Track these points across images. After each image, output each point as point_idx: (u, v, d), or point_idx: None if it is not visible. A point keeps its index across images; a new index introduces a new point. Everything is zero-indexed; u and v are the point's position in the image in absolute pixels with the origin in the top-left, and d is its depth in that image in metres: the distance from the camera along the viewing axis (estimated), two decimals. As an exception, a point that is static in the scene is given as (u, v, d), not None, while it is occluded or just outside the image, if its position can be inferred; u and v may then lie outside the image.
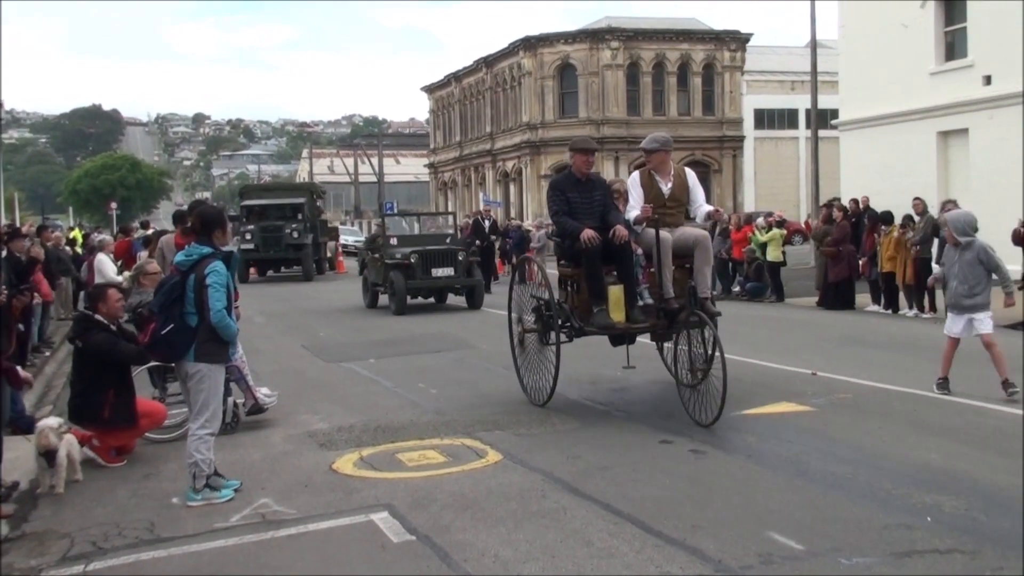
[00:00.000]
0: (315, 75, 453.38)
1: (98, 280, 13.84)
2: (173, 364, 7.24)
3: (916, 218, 17.44)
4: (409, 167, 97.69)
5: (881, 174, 24.97)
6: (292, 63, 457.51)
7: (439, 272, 20.28)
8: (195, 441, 6.77)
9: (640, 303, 9.10)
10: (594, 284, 9.06)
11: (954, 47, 24.65)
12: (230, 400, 8.80)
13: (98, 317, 8.10)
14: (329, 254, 38.17)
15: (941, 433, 7.97)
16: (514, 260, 23.82)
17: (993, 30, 22.64)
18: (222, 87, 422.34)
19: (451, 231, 23.16)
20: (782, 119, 54.02)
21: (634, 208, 9.30)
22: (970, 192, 22.13)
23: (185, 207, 16.19)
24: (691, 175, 9.77)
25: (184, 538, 6.01)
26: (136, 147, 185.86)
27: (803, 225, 39.43)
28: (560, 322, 9.36)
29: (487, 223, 27.63)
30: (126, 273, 10.97)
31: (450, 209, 63.50)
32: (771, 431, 8.16)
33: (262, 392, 9.43)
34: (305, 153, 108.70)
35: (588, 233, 8.88)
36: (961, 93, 23.56)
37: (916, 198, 17.85)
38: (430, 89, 69.24)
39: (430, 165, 71.34)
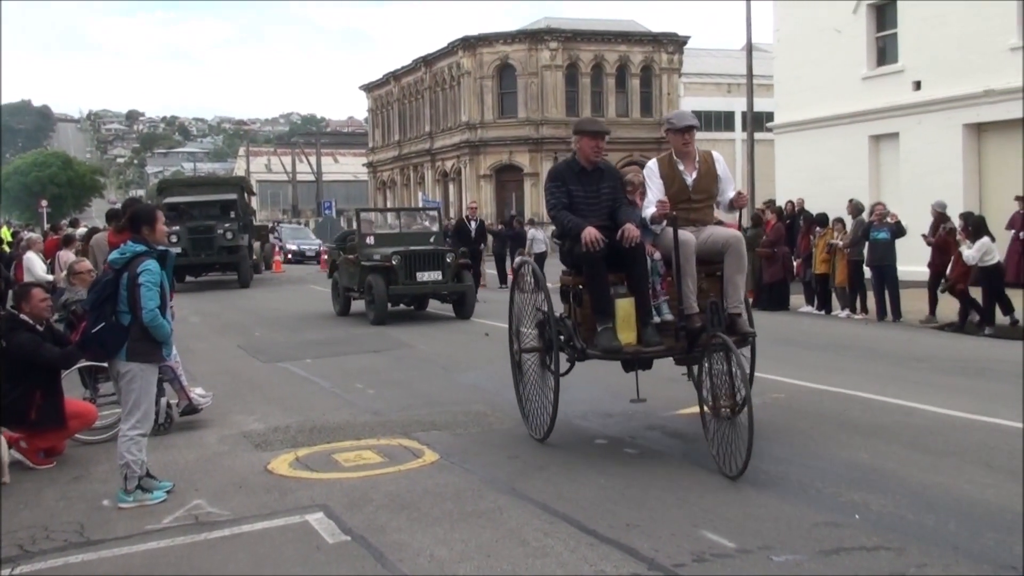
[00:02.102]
0: (252, 72, 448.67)
1: (27, 279, 13.57)
2: (105, 364, 7.13)
3: (849, 220, 17.77)
4: (348, 166, 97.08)
5: (815, 177, 25.40)
6: (228, 60, 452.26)
7: (425, 276, 17.81)
8: (126, 442, 6.67)
9: (656, 320, 7.54)
10: (598, 296, 7.46)
11: (885, 52, 25.16)
12: (163, 400, 8.68)
13: (23, 317, 7.95)
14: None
15: (870, 433, 8.12)
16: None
17: (923, 36, 23.15)
18: (156, 84, 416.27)
19: (436, 230, 20.20)
20: (719, 121, 54.60)
21: (650, 203, 7.70)
22: (900, 195, 22.60)
23: (119, 205, 15.93)
24: (720, 161, 8.02)
25: (114, 540, 5.92)
26: (67, 144, 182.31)
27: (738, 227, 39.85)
28: (563, 341, 7.85)
29: (473, 224, 23.66)
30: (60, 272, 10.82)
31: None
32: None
33: (196, 392, 9.33)
34: (242, 151, 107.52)
35: (591, 233, 7.29)
36: (892, 98, 24.05)
37: (850, 200, 18.18)
38: (369, 88, 68.85)
39: (369, 164, 70.95)
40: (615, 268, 7.50)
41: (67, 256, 14.50)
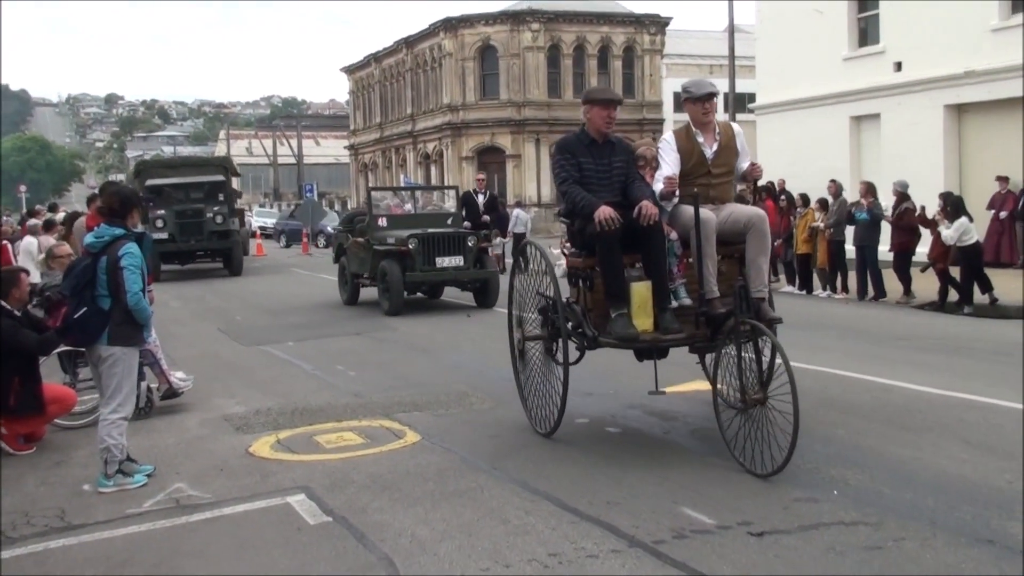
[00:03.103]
0: (232, 55, 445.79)
1: (24, 263, 13.43)
2: (84, 349, 7.10)
3: (830, 200, 17.81)
4: (329, 149, 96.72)
5: (796, 157, 25.43)
6: (208, 43, 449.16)
7: (445, 262, 16.20)
8: (107, 426, 6.65)
9: (673, 305, 6.99)
10: (612, 280, 6.83)
11: (867, 33, 25.17)
12: (143, 385, 8.65)
13: (1, 303, 7.88)
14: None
15: (849, 410, 8.18)
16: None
17: (904, 17, 23.17)
18: (136, 67, 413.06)
19: (453, 210, 18.51)
20: (701, 103, 54.57)
21: (663, 178, 7.09)
22: (881, 175, 22.65)
23: (98, 190, 15.81)
24: (740, 135, 7.40)
25: (95, 525, 5.91)
26: (46, 128, 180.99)
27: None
28: (571, 328, 7.30)
29: (481, 198, 20.29)
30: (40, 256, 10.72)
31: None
32: (686, 409, 8.28)
33: (177, 376, 9.30)
34: (222, 134, 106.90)
35: (606, 211, 6.68)
36: (873, 79, 24.08)
37: (831, 181, 18.23)
38: (350, 70, 68.49)
39: (350, 147, 70.67)
40: (630, 249, 6.87)
41: (47, 241, 14.39)
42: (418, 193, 19.75)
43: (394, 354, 12.14)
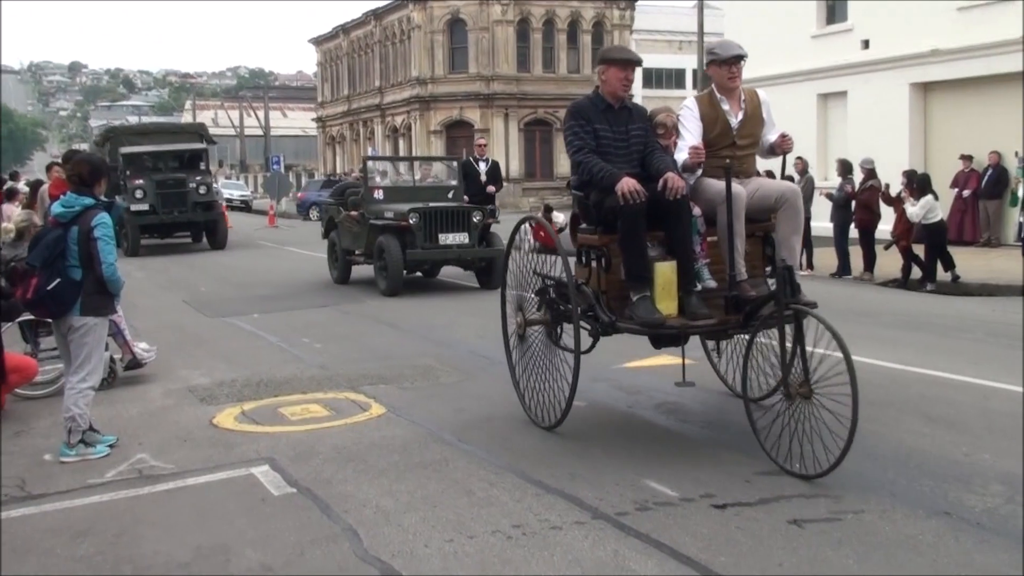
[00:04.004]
0: (199, 24, 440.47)
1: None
2: (50, 319, 7.02)
3: (796, 177, 17.90)
4: (296, 121, 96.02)
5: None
6: (174, 11, 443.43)
7: (449, 238, 14.99)
8: (74, 395, 6.60)
9: (697, 288, 6.41)
10: (634, 259, 6.21)
11: (835, 11, 25.24)
12: (107, 355, 8.56)
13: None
14: None
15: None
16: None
17: (871, -5, 23.25)
18: (100, 35, 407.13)
19: (454, 183, 17.03)
20: (670, 79, 54.70)
21: (685, 148, 6.53)
22: (847, 153, 22.77)
23: (60, 159, 15.55)
24: (766, 102, 6.87)
25: (56, 494, 5.86)
26: (7, 96, 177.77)
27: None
28: (581, 312, 6.61)
29: (483, 166, 17.58)
30: (6, 224, 10.54)
31: (339, 165, 62.72)
32: (651, 383, 8.32)
33: (140, 347, 9.22)
34: (188, 105, 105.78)
35: (629, 183, 6.06)
36: (840, 56, 24.18)
37: (798, 158, 18.30)
38: (318, 41, 67.88)
39: (318, 119, 70.15)
40: (652, 226, 6.28)
41: (10, 210, 14.17)
42: (416, 164, 18.35)
43: (360, 327, 12.11)
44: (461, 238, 15.10)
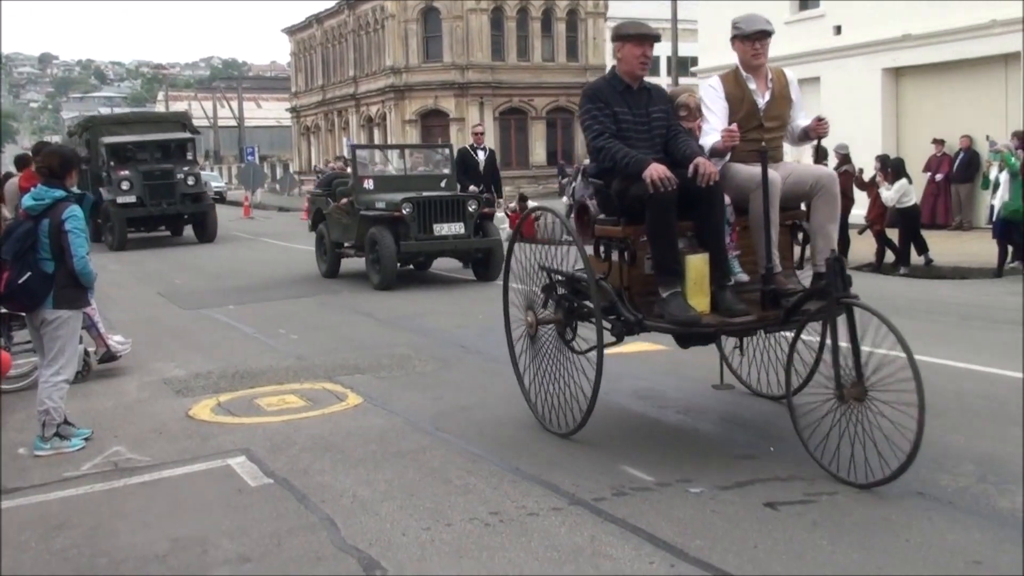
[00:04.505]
0: (171, 14, 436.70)
1: None
2: (23, 313, 6.97)
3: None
4: (271, 111, 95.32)
5: (738, 121, 25.59)
6: (147, 1, 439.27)
7: (444, 229, 14.38)
8: (49, 388, 6.56)
9: (730, 281, 5.98)
10: (664, 252, 5.76)
11: (807, -3, 25.36)
12: (81, 348, 8.51)
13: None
14: None
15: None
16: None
17: (843, -19, 23.35)
18: (71, 26, 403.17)
19: (447, 171, 16.32)
20: (644, 66, 54.65)
21: (713, 131, 6.06)
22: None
23: (30, 152, 15.40)
24: (794, 82, 6.46)
25: (31, 488, 5.83)
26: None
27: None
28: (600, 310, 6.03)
29: (481, 155, 16.93)
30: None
31: (314, 156, 62.47)
32: (627, 369, 8.34)
33: (115, 340, 9.17)
34: (161, 96, 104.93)
35: (659, 169, 5.59)
36: (813, 42, 24.26)
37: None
38: (291, 31, 67.42)
39: (292, 109, 69.72)
40: (680, 215, 5.84)
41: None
42: (407, 152, 17.64)
43: (336, 317, 12.08)
44: (457, 228, 14.49)
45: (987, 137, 19.39)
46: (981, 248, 16.22)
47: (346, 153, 43.87)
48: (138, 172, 23.70)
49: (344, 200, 15.66)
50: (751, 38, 6.16)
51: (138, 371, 9.04)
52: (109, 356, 8.98)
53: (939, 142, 20.53)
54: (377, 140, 52.99)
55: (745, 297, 5.94)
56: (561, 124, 51.13)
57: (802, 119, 6.42)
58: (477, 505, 5.20)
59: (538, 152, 49.30)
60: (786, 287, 5.89)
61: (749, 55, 6.18)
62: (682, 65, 31.12)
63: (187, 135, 26.35)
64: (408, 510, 5.16)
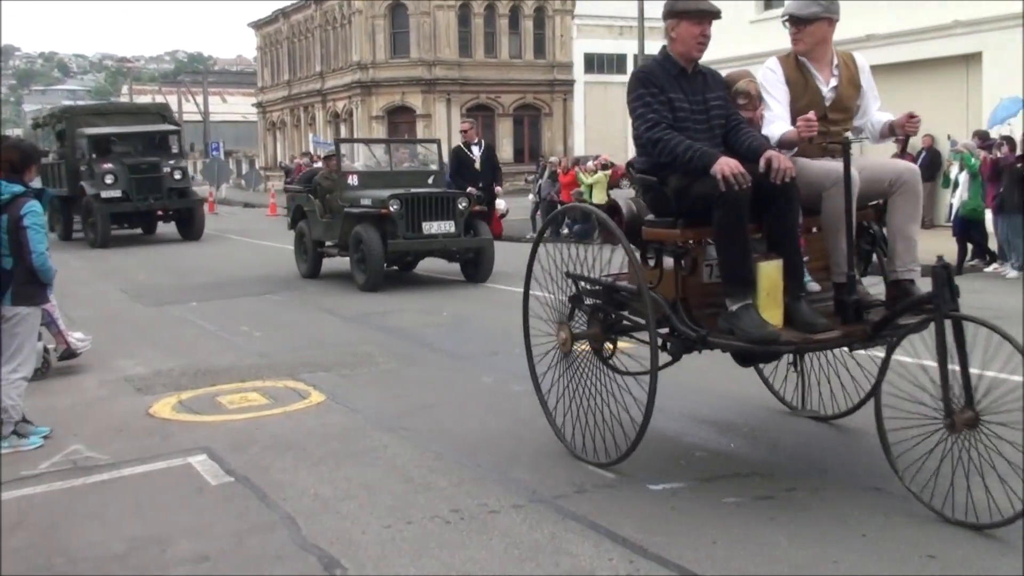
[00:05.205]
0: (135, 7, 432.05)
1: None
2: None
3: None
4: (236, 106, 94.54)
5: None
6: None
7: (433, 228, 13.78)
8: (6, 386, 6.49)
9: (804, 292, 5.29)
10: (736, 258, 5.06)
11: (772, -4, 25.56)
12: (40, 345, 8.43)
13: None
14: None
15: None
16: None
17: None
18: (32, 17, 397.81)
19: (435, 168, 15.84)
20: (611, 64, 54.75)
21: (778, 119, 5.49)
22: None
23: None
24: (866, 69, 5.78)
25: (-13, 487, 5.77)
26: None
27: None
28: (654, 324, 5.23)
29: (476, 151, 16.17)
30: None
31: (280, 151, 62.13)
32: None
33: (75, 337, 9.07)
34: (125, 89, 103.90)
35: (731, 164, 4.92)
36: (779, 42, 24.31)
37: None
38: (258, 25, 67.01)
39: (258, 104, 69.33)
40: (752, 218, 5.18)
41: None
42: (392, 147, 16.74)
43: (300, 315, 12.04)
44: (447, 227, 13.88)
45: (948, 136, 19.64)
46: (940, 246, 16.39)
47: (312, 149, 43.80)
48: (123, 165, 22.84)
49: (327, 197, 15.04)
50: (808, 23, 5.53)
51: (98, 368, 8.96)
52: (69, 353, 8.89)
53: (902, 141, 20.75)
54: (343, 136, 52.80)
55: (818, 309, 5.29)
56: (528, 121, 51.23)
57: (877, 110, 5.78)
58: (438, 503, 5.21)
59: (505, 149, 49.25)
60: (870, 298, 5.36)
61: (813, 43, 5.57)
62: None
63: (172, 127, 25.57)
64: (369, 508, 5.16)
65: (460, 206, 14.02)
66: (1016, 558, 4.29)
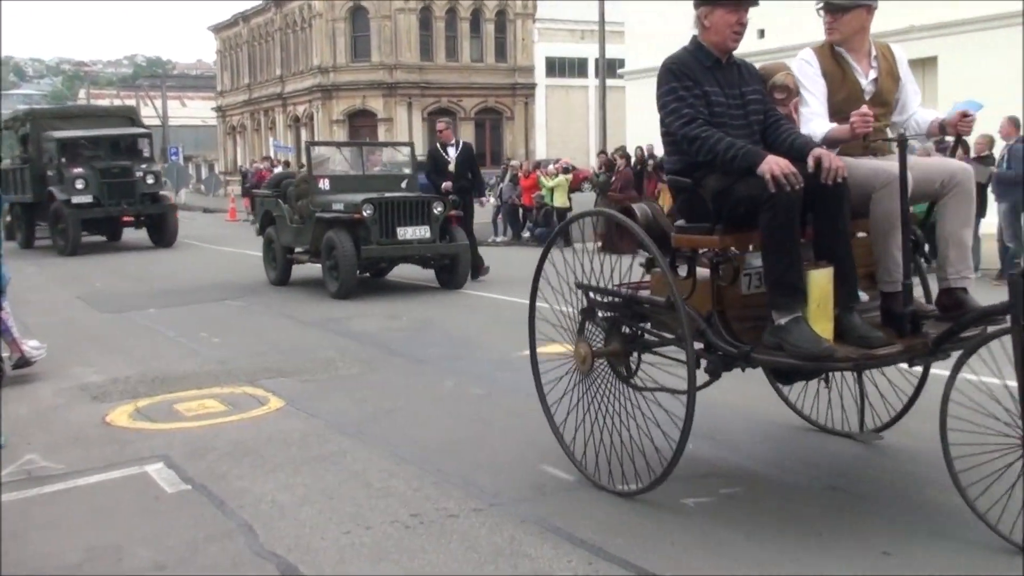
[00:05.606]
0: (93, 10, 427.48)
1: None
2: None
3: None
4: (196, 110, 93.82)
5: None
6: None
7: (408, 233, 13.46)
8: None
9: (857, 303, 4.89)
10: (786, 266, 4.61)
11: (731, 1, 25.75)
12: (-7, 353, 8.33)
13: None
14: None
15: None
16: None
17: (766, -15, 23.75)
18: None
19: (408, 171, 15.53)
20: (572, 68, 54.95)
21: (816, 115, 5.11)
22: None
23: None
24: (903, 59, 5.41)
25: (-61, 499, 5.68)
26: None
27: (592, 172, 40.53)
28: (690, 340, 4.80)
29: (452, 151, 15.34)
30: None
31: (240, 156, 61.70)
32: (553, 370, 8.37)
33: (30, 345, 8.96)
34: (82, 94, 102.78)
35: (782, 164, 4.49)
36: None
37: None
38: (217, 29, 66.62)
39: (217, 108, 68.90)
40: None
41: None
42: (364, 150, 16.36)
43: (262, 321, 11.96)
44: (422, 232, 13.54)
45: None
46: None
47: (272, 153, 43.56)
48: (94, 170, 22.26)
49: (298, 203, 14.58)
50: (845, 10, 5.20)
51: (54, 376, 8.85)
52: (23, 362, 8.78)
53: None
54: (304, 140, 52.56)
55: (891, 324, 4.90)
56: (490, 125, 51.30)
57: (918, 105, 5.41)
58: (398, 507, 5.19)
59: (467, 153, 49.22)
60: (926, 309, 5.00)
61: (850, 32, 5.22)
62: (610, 67, 31.35)
63: (142, 130, 25.07)
64: (328, 514, 5.13)
65: (436, 211, 13.68)
66: (972, 554, 4.35)
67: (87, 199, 22.06)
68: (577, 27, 54.38)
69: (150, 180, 22.99)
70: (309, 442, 6.50)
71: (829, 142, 4.92)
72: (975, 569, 4.22)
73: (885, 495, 5.16)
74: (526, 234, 22.94)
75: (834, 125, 4.99)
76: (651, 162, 21.53)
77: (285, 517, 5.11)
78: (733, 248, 4.85)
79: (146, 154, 24.16)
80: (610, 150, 24.03)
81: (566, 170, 22.78)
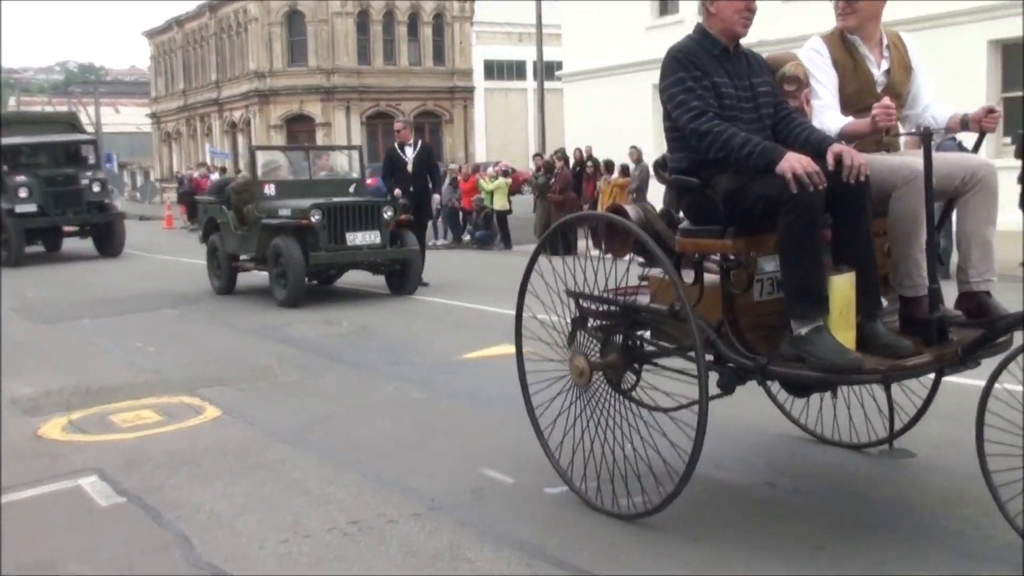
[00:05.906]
0: (23, 17, 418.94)
1: None
2: None
3: (632, 166, 18.37)
4: (130, 117, 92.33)
5: (601, 124, 26.07)
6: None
7: (357, 238, 13.23)
8: None
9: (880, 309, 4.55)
10: (808, 273, 4.26)
11: (667, 3, 26.00)
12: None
13: None
14: None
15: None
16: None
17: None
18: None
19: (355, 176, 15.30)
20: (511, 70, 55.10)
21: (828, 108, 4.78)
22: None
23: None
24: (914, 47, 5.07)
25: None
26: None
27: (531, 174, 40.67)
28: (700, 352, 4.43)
29: (409, 152, 14.94)
30: None
31: (176, 162, 60.91)
32: (491, 373, 8.40)
33: (-42, 358, 8.77)
34: (13, 101, 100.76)
35: (803, 162, 4.14)
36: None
37: (632, 147, 18.78)
38: (151, 34, 65.70)
39: (152, 115, 67.93)
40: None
41: None
42: (311, 154, 15.95)
43: (199, 329, 11.82)
44: (372, 237, 13.30)
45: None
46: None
47: (208, 160, 43.04)
48: (38, 178, 21.57)
49: (243, 209, 14.17)
50: None
51: (-16, 390, 8.67)
52: (-48, 376, 8.58)
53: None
54: (241, 145, 52.03)
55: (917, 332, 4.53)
56: (429, 128, 51.13)
57: (931, 97, 5.07)
58: (337, 514, 5.16)
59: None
60: (952, 314, 4.59)
61: (863, 18, 4.86)
62: (548, 70, 31.46)
63: (87, 136, 24.37)
64: (266, 523, 5.09)
65: (385, 215, 13.44)
66: (902, 550, 4.44)
67: (31, 208, 21.39)
68: (515, 30, 54.55)
69: (96, 188, 22.37)
70: (247, 451, 6.44)
71: (845, 137, 4.58)
72: (905, 563, 4.31)
73: (822, 490, 5.25)
74: (466, 237, 22.96)
75: (850, 119, 4.68)
76: (590, 164, 21.69)
77: (223, 527, 5.06)
78: (752, 253, 4.51)
79: (91, 161, 23.52)
80: (549, 152, 24.14)
81: (505, 173, 22.86)
